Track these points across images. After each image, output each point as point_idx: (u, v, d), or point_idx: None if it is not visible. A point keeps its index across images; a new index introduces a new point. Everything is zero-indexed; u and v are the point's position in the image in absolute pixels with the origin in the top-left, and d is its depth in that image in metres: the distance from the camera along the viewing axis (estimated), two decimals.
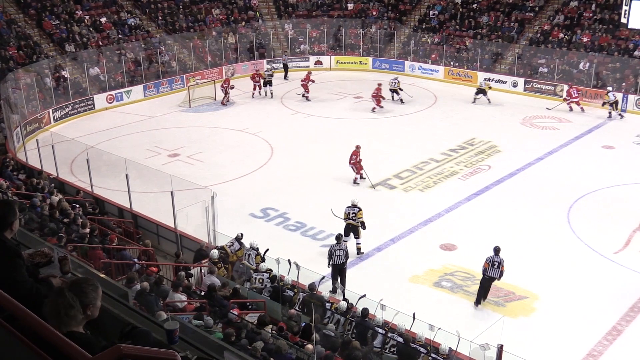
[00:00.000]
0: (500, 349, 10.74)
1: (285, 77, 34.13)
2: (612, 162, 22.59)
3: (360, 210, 16.31)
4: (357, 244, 16.19)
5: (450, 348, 11.17)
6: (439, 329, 11.54)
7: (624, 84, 29.40)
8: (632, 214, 18.28)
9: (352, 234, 16.27)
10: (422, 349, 11.04)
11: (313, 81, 29.96)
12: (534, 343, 12.62)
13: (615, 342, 12.89)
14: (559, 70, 31.16)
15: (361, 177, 20.37)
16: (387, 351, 11.34)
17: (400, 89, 30.00)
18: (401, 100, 29.76)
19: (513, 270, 15.33)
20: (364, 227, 16.24)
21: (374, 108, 28.09)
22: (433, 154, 23.07)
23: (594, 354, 12.50)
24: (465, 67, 33.84)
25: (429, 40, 36.05)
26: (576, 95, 28.02)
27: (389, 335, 11.38)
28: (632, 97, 28.55)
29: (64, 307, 3.38)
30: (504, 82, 32.16)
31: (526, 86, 31.56)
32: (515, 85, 31.84)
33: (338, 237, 14.68)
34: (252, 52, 35.90)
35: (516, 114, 28.21)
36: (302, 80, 29.98)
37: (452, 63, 34.43)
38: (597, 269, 15.61)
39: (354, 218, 16.22)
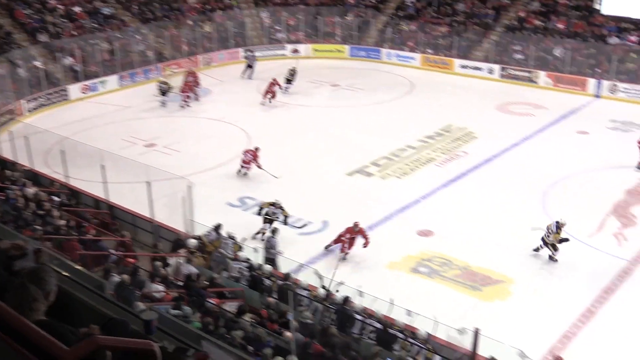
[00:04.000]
0: (476, 333, 10.86)
1: (248, 75, 32.08)
2: (586, 147, 22.87)
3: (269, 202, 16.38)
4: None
5: (428, 333, 11.29)
6: (417, 314, 11.66)
7: (598, 70, 29.72)
8: (605, 198, 18.55)
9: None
10: (400, 335, 11.15)
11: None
12: (510, 326, 12.78)
13: (589, 323, 13.12)
14: (534, 57, 31.39)
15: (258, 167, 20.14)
16: (365, 337, 11.43)
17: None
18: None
19: (489, 255, 15.55)
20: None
21: (271, 97, 27.30)
22: (410, 141, 23.17)
23: (568, 335, 12.72)
24: (441, 55, 33.96)
25: (405, 27, 36.09)
26: None
27: (368, 321, 11.47)
28: (606, 83, 28.86)
29: (28, 300, 3.38)
30: (480, 69, 32.34)
31: (502, 73, 31.77)
32: (491, 72, 32.03)
33: (274, 231, 15.05)
34: (229, 41, 35.68)
35: (492, 100, 28.41)
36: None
37: (428, 50, 34.52)
38: (571, 252, 15.81)
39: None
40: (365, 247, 15.30)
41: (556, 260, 15.16)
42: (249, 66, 32.17)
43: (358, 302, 12.21)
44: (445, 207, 18.32)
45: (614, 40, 30.57)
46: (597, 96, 28.84)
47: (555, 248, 15.24)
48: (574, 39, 31.26)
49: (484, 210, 18.05)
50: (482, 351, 10.76)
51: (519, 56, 32.05)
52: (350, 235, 15.37)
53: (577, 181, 19.96)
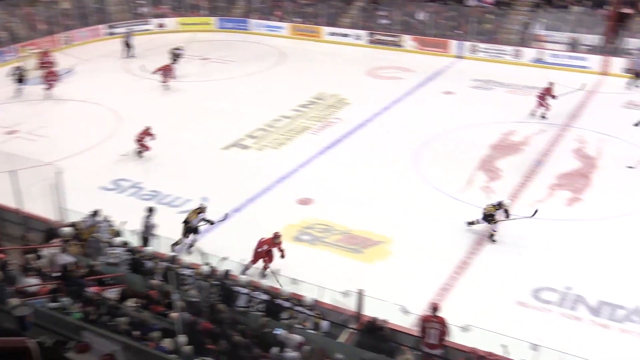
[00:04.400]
0: (360, 294, 11.20)
1: (129, 54, 30.78)
2: (452, 106, 23.89)
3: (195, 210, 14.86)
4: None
5: (314, 299, 11.49)
6: (302, 281, 11.83)
7: (459, 31, 30.95)
8: (472, 155, 19.51)
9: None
10: (286, 303, 11.28)
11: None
12: (393, 284, 13.24)
13: (465, 274, 13.83)
14: (399, 22, 32.19)
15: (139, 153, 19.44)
16: (253, 310, 11.47)
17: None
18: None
19: (368, 217, 15.97)
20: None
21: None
22: (284, 111, 23.25)
23: (446, 287, 13.34)
24: (309, 23, 34.12)
25: None
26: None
27: (253, 294, 11.51)
28: (467, 44, 30.13)
29: None
30: (348, 36, 32.82)
31: (369, 38, 32.39)
32: (359, 38, 32.58)
33: (150, 209, 14.64)
34: (89, 18, 34.05)
35: (362, 66, 28.99)
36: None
37: (296, 19, 34.56)
38: (443, 208, 16.56)
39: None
40: (282, 258, 13.74)
41: (494, 241, 15.10)
42: (127, 45, 30.85)
43: (243, 275, 12.22)
44: (323, 174, 18.59)
45: (472, 2, 31.90)
46: (460, 57, 30.13)
47: (494, 222, 15.06)
48: (435, 2, 32.34)
49: (360, 174, 18.49)
50: (367, 311, 11.13)
51: (384, 21, 32.79)
52: (269, 247, 13.78)
53: (445, 139, 20.83)
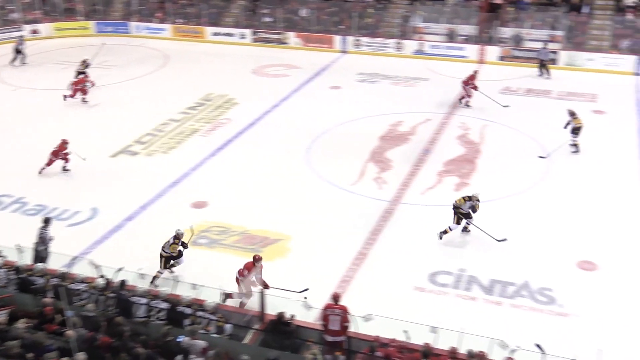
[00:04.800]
0: (262, 293, 11.17)
1: (20, 61, 28.82)
2: (340, 100, 24.24)
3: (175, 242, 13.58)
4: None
5: (216, 302, 11.35)
6: (203, 286, 11.66)
7: (342, 26, 31.42)
8: (362, 147, 19.88)
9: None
10: (188, 310, 11.08)
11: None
12: (294, 280, 13.27)
13: (363, 265, 14.08)
14: (282, 19, 32.29)
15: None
16: (154, 319, 11.20)
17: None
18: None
19: (264, 216, 15.96)
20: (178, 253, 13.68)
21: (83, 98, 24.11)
22: (172, 115, 22.80)
23: (346, 279, 13.53)
24: (192, 24, 33.61)
25: None
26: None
27: (153, 303, 11.24)
28: (350, 39, 30.64)
29: None
30: (232, 35, 32.59)
31: (254, 37, 32.31)
32: (243, 37, 32.43)
33: (46, 220, 13.91)
34: None
35: (248, 65, 28.88)
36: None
37: (178, 20, 33.95)
38: (338, 201, 16.79)
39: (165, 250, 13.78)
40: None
41: (469, 231, 15.15)
42: (18, 51, 28.99)
43: (141, 285, 11.90)
44: (216, 175, 18.39)
45: None
46: (344, 52, 30.63)
47: (468, 216, 14.98)
48: None
49: (254, 173, 18.44)
50: (270, 310, 11.12)
51: (267, 19, 32.80)
52: (249, 272, 12.59)
53: (335, 133, 21.12)
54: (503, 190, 17.15)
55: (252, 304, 11.46)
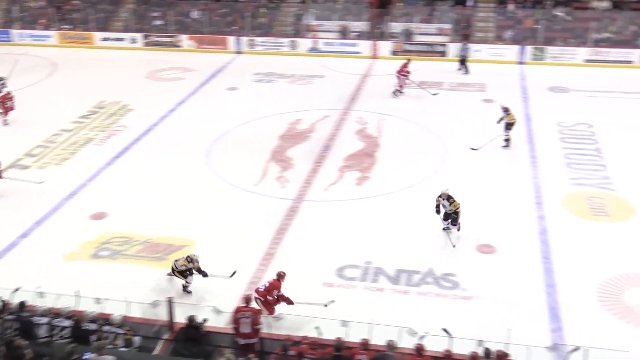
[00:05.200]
0: (170, 302, 10.94)
1: None
2: (237, 101, 24.10)
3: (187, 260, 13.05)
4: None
5: (123, 315, 11.03)
6: (107, 299, 11.29)
7: (235, 27, 31.24)
8: (263, 147, 19.86)
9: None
10: (92, 325, 10.71)
11: None
12: (202, 285, 13.09)
13: (271, 264, 14.04)
14: (174, 22, 31.74)
15: None
16: (57, 338, 10.76)
17: None
18: None
19: (168, 223, 15.65)
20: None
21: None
22: (63, 125, 21.95)
23: (255, 280, 13.47)
24: (79, 29, 32.47)
25: (34, 3, 33.66)
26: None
27: (55, 321, 10.79)
28: (244, 39, 30.50)
29: None
30: (123, 40, 31.73)
31: (145, 41, 31.59)
32: (134, 41, 31.64)
33: None
34: None
35: (141, 69, 28.22)
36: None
37: (64, 26, 32.71)
38: (242, 203, 16.70)
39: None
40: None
41: (449, 229, 14.99)
42: None
43: (40, 304, 11.40)
44: (114, 185, 17.86)
45: None
46: (239, 52, 30.47)
47: (455, 220, 14.88)
48: (208, 0, 32.33)
49: (154, 179, 18.04)
50: (179, 317, 10.91)
51: (158, 22, 32.15)
52: (278, 291, 12.04)
53: (235, 135, 20.98)
54: (403, 182, 17.56)
55: (161, 313, 11.21)
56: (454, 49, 28.31)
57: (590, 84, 25.15)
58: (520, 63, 27.84)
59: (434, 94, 23.97)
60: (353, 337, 10.15)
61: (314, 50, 30.03)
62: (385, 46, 29.43)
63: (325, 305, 12.06)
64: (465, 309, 12.57)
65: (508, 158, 18.90)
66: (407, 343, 10.02)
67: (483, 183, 17.45)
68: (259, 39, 30.53)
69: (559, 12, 29.27)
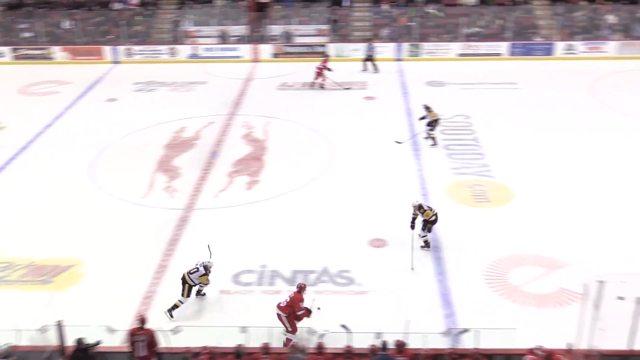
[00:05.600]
0: (59, 326, 10.47)
1: None
2: (118, 113, 23.40)
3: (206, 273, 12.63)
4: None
5: (8, 345, 10.45)
6: None
7: (111, 36, 30.31)
8: (148, 158, 19.40)
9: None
10: None
11: None
12: (93, 306, 12.62)
13: (165, 277, 13.74)
14: (44, 33, 30.39)
15: None
16: None
17: None
18: None
19: (53, 244, 14.99)
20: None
21: None
22: None
23: (149, 294, 13.13)
24: None
25: None
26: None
27: None
28: (121, 48, 29.64)
29: None
30: None
31: (14, 54, 30.06)
32: (2, 55, 30.03)
33: None
34: None
35: (11, 85, 26.81)
36: None
37: None
38: (129, 216, 16.23)
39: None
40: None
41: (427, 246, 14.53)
42: None
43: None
44: None
45: (117, 5, 31.45)
46: (116, 62, 29.59)
47: (429, 230, 14.41)
48: (79, 9, 31.19)
49: (35, 199, 17.20)
50: (71, 341, 10.46)
51: (27, 34, 30.67)
52: (303, 303, 11.53)
53: (118, 147, 20.36)
54: (293, 183, 17.66)
55: (50, 338, 10.70)
56: (333, 49, 28.75)
57: (464, 76, 26.29)
58: (398, 60, 28.67)
59: (347, 89, 24.85)
60: (253, 342, 10.11)
61: (194, 56, 29.64)
62: (266, 49, 29.48)
63: (318, 309, 11.72)
64: (362, 303, 12.80)
65: (393, 152, 19.39)
66: (308, 343, 10.08)
67: (370, 179, 17.83)
68: (136, 48, 29.77)
69: (431, 10, 30.39)
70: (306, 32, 29.94)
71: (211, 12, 31.17)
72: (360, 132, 20.73)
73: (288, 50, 29.44)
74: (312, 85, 25.13)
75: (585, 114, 22.08)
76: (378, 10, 30.80)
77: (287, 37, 29.88)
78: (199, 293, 13.01)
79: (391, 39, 29.43)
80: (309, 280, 13.46)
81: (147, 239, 15.22)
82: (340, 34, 29.92)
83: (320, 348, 9.92)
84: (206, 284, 12.67)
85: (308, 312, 11.40)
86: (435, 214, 14.23)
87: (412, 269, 13.77)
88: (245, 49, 29.56)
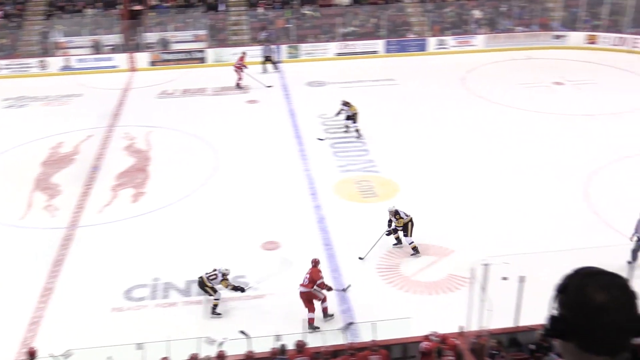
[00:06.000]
0: None
1: None
2: None
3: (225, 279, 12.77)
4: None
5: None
6: None
7: None
8: (24, 177, 18.45)
9: None
10: None
11: None
12: None
13: (51, 300, 13.14)
14: None
15: None
16: None
17: None
18: None
19: None
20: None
21: None
22: None
23: (35, 320, 12.52)
24: None
25: None
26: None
27: None
28: None
29: None
30: None
31: None
32: None
33: None
34: None
35: None
36: None
37: None
38: (8, 240, 15.41)
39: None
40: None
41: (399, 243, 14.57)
42: None
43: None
44: None
45: None
46: None
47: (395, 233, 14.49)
48: None
49: None
50: None
51: None
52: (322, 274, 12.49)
53: None
54: (180, 192, 17.35)
55: None
56: (212, 54, 28.50)
57: (343, 75, 26.75)
58: (278, 62, 28.76)
59: (269, 87, 25.25)
60: (150, 358, 9.86)
61: (66, 68, 28.45)
62: (143, 58, 28.76)
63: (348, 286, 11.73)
64: (260, 307, 12.76)
65: (279, 154, 19.46)
66: (208, 352, 9.94)
67: (258, 182, 17.80)
68: (2, 62, 28.22)
69: (307, 11, 30.74)
70: (183, 39, 29.48)
71: (82, 22, 30.03)
72: (245, 136, 20.67)
73: (166, 57, 28.87)
74: (238, 86, 25.35)
75: (459, 105, 23.07)
76: (254, 13, 30.80)
77: (164, 44, 29.30)
78: (214, 311, 12.67)
79: (268, 41, 29.39)
80: None
81: (29, 262, 14.48)
82: (218, 38, 29.68)
83: (220, 357, 9.81)
84: (226, 287, 12.65)
85: (327, 287, 12.29)
86: (409, 220, 14.34)
87: (361, 258, 14.16)
88: (120, 58, 28.70)
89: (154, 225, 15.92)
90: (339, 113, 20.85)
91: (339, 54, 29.25)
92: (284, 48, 29.08)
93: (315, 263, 12.44)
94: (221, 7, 30.85)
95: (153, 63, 28.71)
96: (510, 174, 17.75)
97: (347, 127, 20.74)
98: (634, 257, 13.42)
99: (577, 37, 30.05)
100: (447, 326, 10.76)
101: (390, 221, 14.33)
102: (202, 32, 29.58)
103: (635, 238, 13.39)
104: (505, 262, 10.07)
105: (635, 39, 29.17)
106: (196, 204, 16.80)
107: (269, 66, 27.69)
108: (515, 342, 10.84)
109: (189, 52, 28.94)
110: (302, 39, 29.73)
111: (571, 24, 30.67)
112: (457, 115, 22.17)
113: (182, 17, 30.32)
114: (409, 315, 10.91)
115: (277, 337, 10.12)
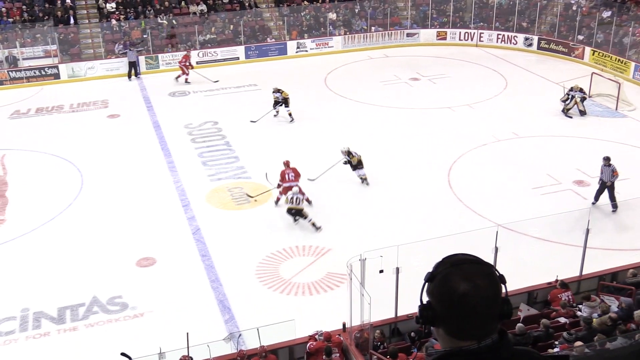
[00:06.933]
0: None
1: None
2: None
3: None
4: None
5: None
6: None
7: None
8: None
9: None
10: None
11: None
12: None
13: None
14: None
15: None
16: None
17: None
18: None
19: None
20: None
21: None
22: None
23: None
24: None
25: None
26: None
27: None
28: None
29: None
30: None
31: None
32: None
33: None
34: None
35: None
36: None
37: None
38: None
39: None
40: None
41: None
42: None
43: None
44: None
45: None
46: None
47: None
48: None
49: None
50: None
51: None
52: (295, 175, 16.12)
53: None
54: (44, 216, 16.47)
55: None
56: (65, 69, 27.30)
57: (207, 83, 26.41)
58: (137, 74, 27.96)
59: (215, 82, 26.40)
60: None
61: None
62: None
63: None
64: (141, 327, 12.39)
65: (147, 168, 18.94)
66: None
67: (128, 198, 17.25)
68: None
69: (163, 20, 30.12)
70: (33, 55, 27.97)
71: None
72: (109, 152, 19.96)
73: (15, 75, 27.24)
74: (186, 81, 26.42)
75: (324, 105, 23.52)
76: (107, 25, 29.75)
77: (12, 61, 27.66)
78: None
79: (123, 54, 28.45)
80: (78, 314, 12.72)
81: None
82: (71, 53, 28.44)
83: None
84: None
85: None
86: (359, 158, 17.07)
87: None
88: None
89: (18, 253, 15.01)
90: (276, 104, 22.10)
91: (199, 62, 28.83)
92: (142, 59, 28.29)
93: (287, 163, 16.04)
94: (72, 20, 29.52)
95: (1, 82, 27.02)
96: (379, 169, 18.28)
97: (277, 112, 22.15)
98: (596, 199, 15.96)
99: (427, 34, 31.58)
100: (331, 324, 10.94)
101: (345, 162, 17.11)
102: (52, 47, 28.19)
103: (600, 181, 15.80)
104: (380, 255, 10.37)
105: (481, 33, 31.03)
106: (63, 226, 16.03)
107: (133, 71, 27.20)
108: (397, 332, 11.22)
109: (40, 68, 27.49)
110: (160, 49, 29.12)
111: (421, 22, 32.15)
112: (323, 115, 22.58)
113: (29, 33, 28.77)
114: (292, 318, 10.97)
115: (161, 355, 9.87)
